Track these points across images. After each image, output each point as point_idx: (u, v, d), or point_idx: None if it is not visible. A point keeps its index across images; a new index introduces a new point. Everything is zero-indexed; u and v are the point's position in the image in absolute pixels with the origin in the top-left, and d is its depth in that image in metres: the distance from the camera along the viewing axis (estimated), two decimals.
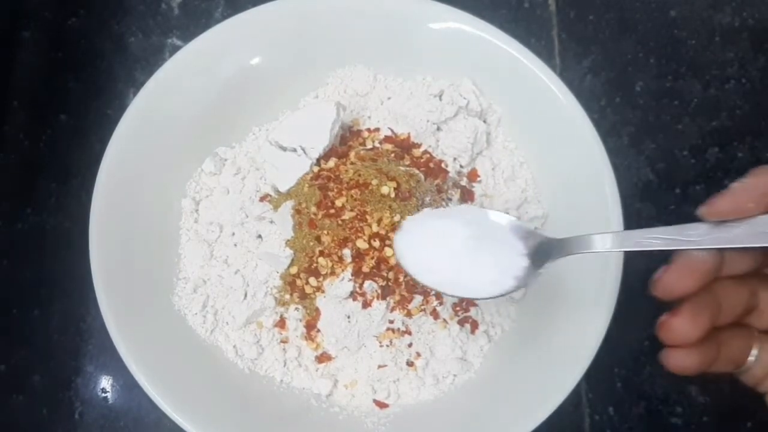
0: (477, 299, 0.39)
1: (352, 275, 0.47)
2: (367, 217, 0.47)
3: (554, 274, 0.50)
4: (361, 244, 0.47)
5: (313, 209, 0.48)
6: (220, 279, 0.50)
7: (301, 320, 0.49)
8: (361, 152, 0.51)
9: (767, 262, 0.35)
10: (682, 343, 0.33)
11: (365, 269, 0.47)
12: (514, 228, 0.40)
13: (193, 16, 0.62)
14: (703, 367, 0.34)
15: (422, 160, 0.52)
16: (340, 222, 0.47)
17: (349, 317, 0.47)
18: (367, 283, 0.47)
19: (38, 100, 0.60)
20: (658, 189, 0.60)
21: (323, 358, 0.49)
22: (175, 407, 0.43)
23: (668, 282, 0.33)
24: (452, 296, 0.39)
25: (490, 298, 0.39)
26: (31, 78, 0.60)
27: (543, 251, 0.39)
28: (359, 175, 0.48)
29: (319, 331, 0.49)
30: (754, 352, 0.35)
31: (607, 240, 0.36)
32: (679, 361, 0.34)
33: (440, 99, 0.53)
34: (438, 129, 0.53)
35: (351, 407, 0.48)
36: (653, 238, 0.34)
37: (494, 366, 0.49)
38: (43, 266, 0.56)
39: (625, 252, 0.46)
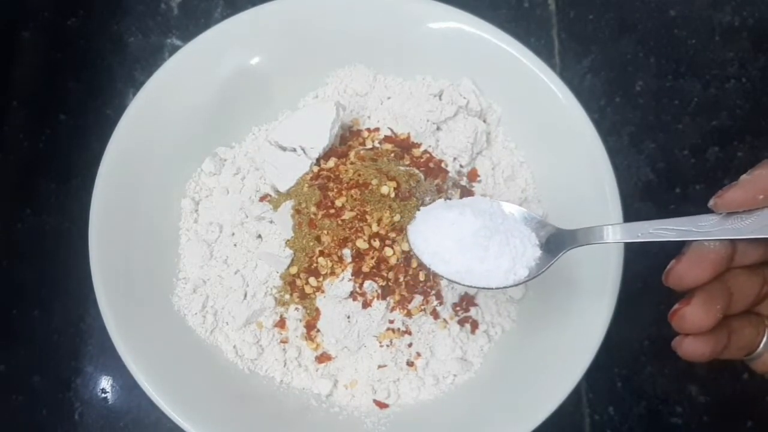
0: (491, 288, 0.39)
1: (352, 275, 0.47)
2: (367, 217, 0.47)
3: (555, 273, 0.50)
4: (361, 244, 0.47)
5: (313, 209, 0.48)
6: (219, 279, 0.50)
7: (301, 320, 0.49)
8: (361, 152, 0.51)
9: None
10: (694, 331, 0.34)
11: (365, 269, 0.47)
12: (527, 219, 0.41)
13: (193, 16, 0.62)
14: (714, 355, 0.34)
15: (422, 160, 0.52)
16: (340, 222, 0.47)
17: (349, 317, 0.47)
18: (367, 283, 0.47)
19: (38, 100, 0.60)
20: (658, 188, 0.60)
21: (323, 358, 0.49)
22: (175, 407, 0.43)
23: (681, 272, 0.34)
24: (466, 286, 0.39)
25: (504, 287, 0.39)
26: (31, 78, 0.60)
27: (555, 242, 0.39)
28: (359, 175, 0.48)
29: (319, 331, 0.49)
30: (765, 339, 0.36)
31: (619, 231, 0.36)
32: (691, 348, 0.34)
33: (440, 99, 0.53)
34: (438, 129, 0.53)
35: (351, 407, 0.48)
36: (665, 230, 0.34)
37: (494, 366, 0.49)
38: (43, 266, 0.56)
39: (629, 249, 0.47)
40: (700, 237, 0.33)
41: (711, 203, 0.33)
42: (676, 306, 0.34)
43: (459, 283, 0.40)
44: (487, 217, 0.39)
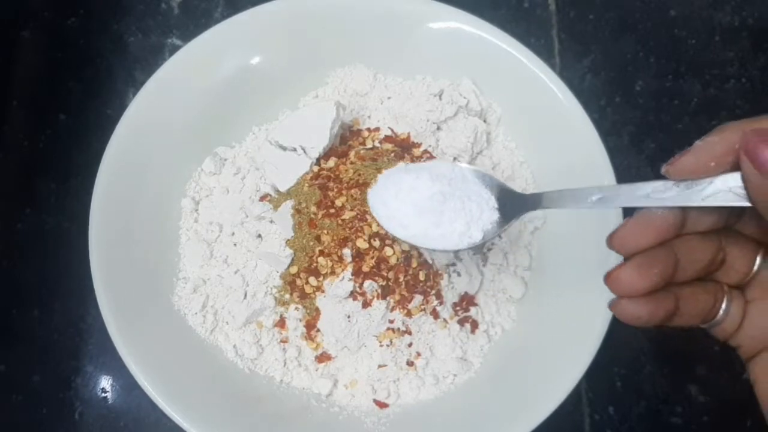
0: (447, 251, 0.40)
1: (352, 275, 0.47)
2: (367, 216, 0.47)
3: (555, 273, 0.50)
4: (361, 243, 0.47)
5: (313, 209, 0.48)
6: (219, 279, 0.50)
7: (301, 320, 0.49)
8: (361, 152, 0.51)
9: (734, 219, 0.34)
10: (628, 294, 0.33)
11: (365, 269, 0.47)
12: (485, 181, 0.41)
13: (193, 16, 0.62)
14: (655, 320, 0.33)
15: (422, 160, 0.52)
16: (340, 222, 0.47)
17: (349, 317, 0.47)
18: (367, 283, 0.47)
19: (38, 100, 0.60)
20: None
21: (323, 357, 0.49)
22: (175, 407, 0.43)
23: (623, 236, 0.33)
24: (424, 248, 0.40)
25: (460, 250, 0.40)
26: (31, 78, 0.60)
27: (512, 206, 0.40)
28: (359, 175, 0.48)
29: (319, 330, 0.49)
30: (723, 306, 0.35)
31: (571, 195, 0.36)
32: (628, 310, 0.33)
33: (440, 98, 0.53)
34: (438, 128, 0.53)
35: (351, 407, 0.48)
36: (617, 195, 0.34)
37: (494, 366, 0.49)
38: (43, 266, 0.56)
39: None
40: (651, 203, 0.32)
41: (663, 170, 0.32)
42: (611, 268, 0.33)
43: (418, 246, 0.40)
44: (445, 182, 0.40)
